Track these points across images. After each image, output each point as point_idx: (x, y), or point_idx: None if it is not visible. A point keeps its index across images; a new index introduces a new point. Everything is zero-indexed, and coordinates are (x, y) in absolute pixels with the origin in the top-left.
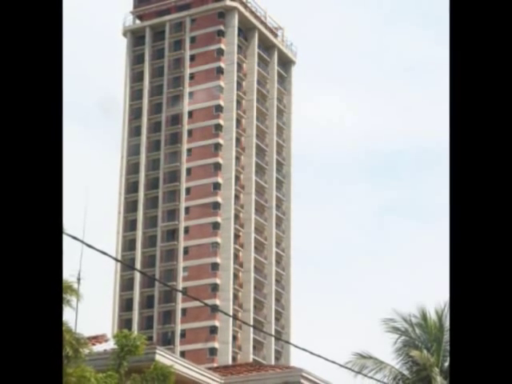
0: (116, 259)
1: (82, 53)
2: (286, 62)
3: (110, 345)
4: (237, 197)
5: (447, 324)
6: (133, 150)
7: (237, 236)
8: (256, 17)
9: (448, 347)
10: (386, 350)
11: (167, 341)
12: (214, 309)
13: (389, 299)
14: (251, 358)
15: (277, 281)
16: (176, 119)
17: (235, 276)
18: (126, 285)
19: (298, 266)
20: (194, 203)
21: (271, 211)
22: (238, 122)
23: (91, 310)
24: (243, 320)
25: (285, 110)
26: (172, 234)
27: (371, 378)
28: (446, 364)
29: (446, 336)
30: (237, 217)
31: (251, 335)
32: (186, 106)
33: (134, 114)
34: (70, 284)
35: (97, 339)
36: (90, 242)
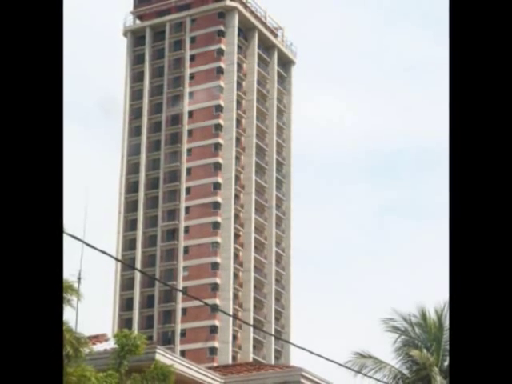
0: (116, 259)
1: (82, 53)
2: (285, 62)
3: (111, 344)
4: (237, 196)
5: (447, 323)
6: (133, 150)
7: (237, 236)
8: (256, 17)
9: (447, 347)
10: (386, 349)
11: (167, 340)
12: (214, 308)
13: (389, 299)
14: (251, 357)
15: (277, 280)
16: (176, 119)
17: (235, 275)
18: (127, 284)
19: (297, 265)
20: (194, 203)
21: (271, 211)
22: (238, 121)
23: (91, 309)
24: (243, 319)
25: (285, 109)
26: (172, 234)
27: (371, 377)
28: (446, 363)
29: (446, 335)
30: (237, 216)
31: (251, 335)
32: (186, 105)
33: (135, 113)
34: (70, 283)
35: (97, 339)
36: (91, 242)
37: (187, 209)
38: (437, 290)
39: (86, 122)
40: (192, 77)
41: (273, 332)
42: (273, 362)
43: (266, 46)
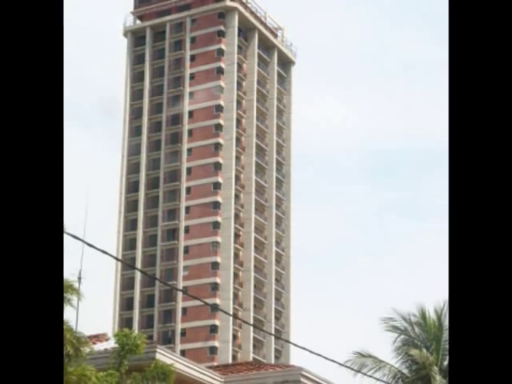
0: (117, 258)
1: (82, 53)
2: (285, 62)
3: (111, 344)
4: (237, 196)
5: (446, 323)
6: (133, 150)
7: (237, 235)
8: (256, 17)
9: (447, 346)
10: (386, 348)
11: (167, 340)
12: (214, 308)
13: (389, 299)
14: (251, 356)
15: (277, 280)
16: (176, 119)
17: (235, 275)
18: (127, 284)
19: (297, 265)
20: (195, 203)
21: (271, 211)
22: (238, 121)
23: (92, 309)
24: (243, 319)
25: (285, 109)
26: (172, 234)
27: (371, 376)
28: (445, 363)
29: (445, 335)
30: (237, 216)
31: (251, 334)
32: (187, 105)
33: (135, 113)
34: (70, 283)
35: (97, 338)
36: (91, 242)
37: (187, 208)
38: (436, 290)
39: (87, 121)
40: (192, 77)
41: (273, 331)
42: (273, 361)
43: (266, 46)
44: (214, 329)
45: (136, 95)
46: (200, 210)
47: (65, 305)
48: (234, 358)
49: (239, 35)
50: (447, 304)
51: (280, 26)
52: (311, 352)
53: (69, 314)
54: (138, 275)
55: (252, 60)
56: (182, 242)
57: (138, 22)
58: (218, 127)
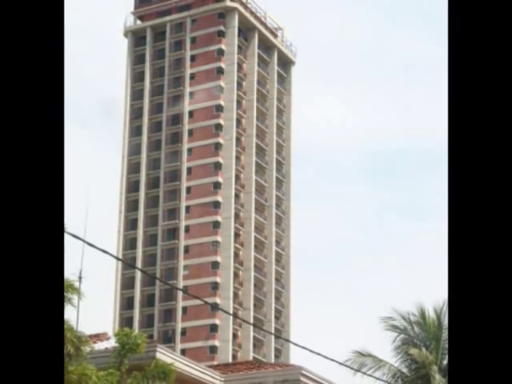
0: (117, 258)
1: (83, 53)
2: (285, 63)
3: (111, 343)
4: (237, 196)
5: (446, 322)
6: (134, 150)
7: (237, 235)
8: (256, 17)
9: (446, 345)
10: (385, 348)
11: (168, 339)
12: (215, 307)
13: (388, 299)
14: (251, 356)
15: (277, 279)
16: (176, 119)
17: (235, 274)
18: (127, 283)
19: (297, 264)
20: (195, 202)
21: (271, 210)
22: (238, 121)
23: (92, 308)
24: (243, 318)
25: (285, 109)
26: (173, 233)
27: (370, 375)
28: (445, 362)
29: (445, 334)
30: (237, 216)
31: (251, 333)
32: (187, 105)
33: (135, 113)
34: (71, 282)
35: (98, 337)
36: (91, 241)
37: (187, 208)
38: (436, 289)
39: (87, 121)
40: (192, 77)
41: (273, 331)
42: (273, 360)
43: (266, 47)
44: (214, 328)
45: (136, 95)
46: (200, 209)
47: (65, 304)
48: (234, 357)
49: (239, 35)
50: (446, 303)
51: (280, 26)
52: (311, 351)
53: (69, 313)
54: (139, 274)
55: (252, 60)
56: (183, 242)
57: (139, 22)
58: (218, 127)
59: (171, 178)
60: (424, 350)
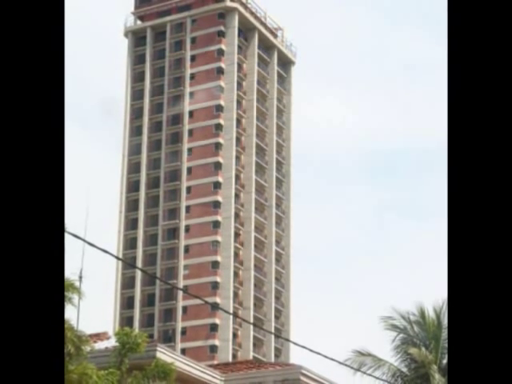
0: (117, 257)
1: (83, 53)
2: (285, 63)
3: (112, 342)
4: (237, 196)
5: (445, 322)
6: (134, 150)
7: (237, 234)
8: (256, 17)
9: (446, 345)
10: (385, 347)
11: (168, 338)
12: (215, 307)
13: (388, 299)
14: (251, 355)
15: (276, 279)
16: (177, 119)
17: (235, 274)
18: (128, 283)
19: (297, 264)
20: (195, 202)
21: (271, 210)
22: (238, 121)
23: (93, 307)
24: (243, 318)
25: (285, 109)
26: (173, 233)
27: (370, 375)
28: (444, 361)
29: (444, 334)
30: (237, 215)
31: (251, 333)
32: (187, 105)
33: (135, 113)
34: (71, 282)
35: (98, 337)
36: (92, 241)
37: (188, 208)
38: (436, 289)
39: (87, 122)
40: (192, 77)
41: (273, 330)
42: (273, 359)
43: (266, 47)
44: (214, 327)
45: (136, 95)
46: (200, 209)
47: (66, 303)
48: (234, 356)
49: (239, 35)
50: (446, 303)
51: (280, 26)
52: (311, 350)
53: (70, 312)
54: (139, 274)
55: (252, 60)
56: (183, 241)
57: (139, 22)
58: (218, 127)
59: (171, 177)
60: (423, 349)
